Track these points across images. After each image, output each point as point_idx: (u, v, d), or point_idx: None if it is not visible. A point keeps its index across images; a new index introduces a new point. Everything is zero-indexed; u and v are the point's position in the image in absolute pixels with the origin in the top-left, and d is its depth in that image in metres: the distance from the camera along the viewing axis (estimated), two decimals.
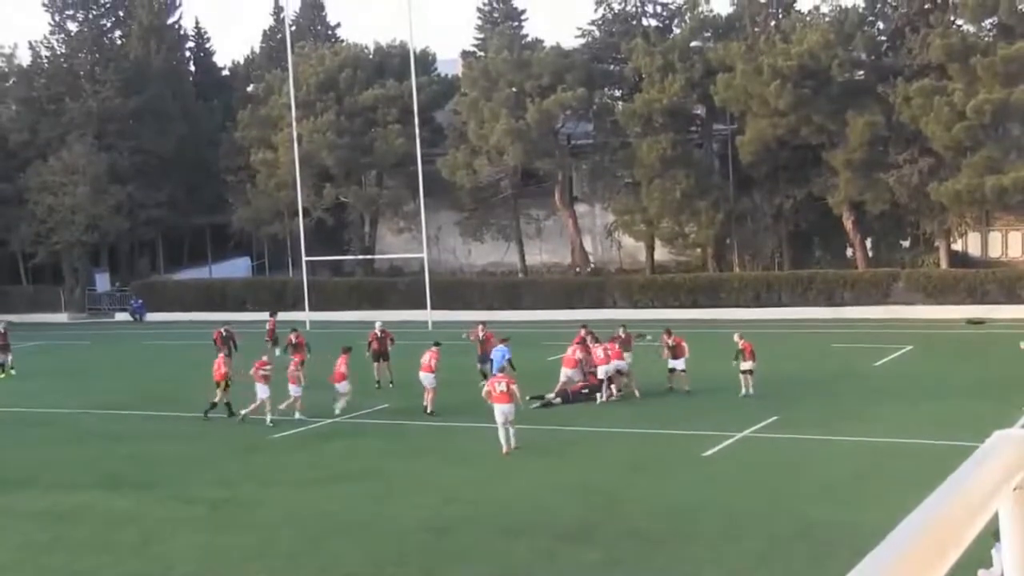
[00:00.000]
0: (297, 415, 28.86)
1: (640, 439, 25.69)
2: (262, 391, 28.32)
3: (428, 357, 29.73)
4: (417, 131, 54.26)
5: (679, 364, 30.66)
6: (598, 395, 29.74)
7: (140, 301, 62.68)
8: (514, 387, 24.25)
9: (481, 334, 33.17)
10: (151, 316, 61.36)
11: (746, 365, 29.70)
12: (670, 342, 30.90)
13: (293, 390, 29.04)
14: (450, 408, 29.38)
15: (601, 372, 29.67)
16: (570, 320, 39.71)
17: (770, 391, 29.85)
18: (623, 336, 31.35)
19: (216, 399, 29.61)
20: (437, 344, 30.63)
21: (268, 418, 28.26)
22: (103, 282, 68.59)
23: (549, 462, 23.64)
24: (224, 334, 36.71)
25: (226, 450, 26.12)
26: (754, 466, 22.59)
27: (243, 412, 28.71)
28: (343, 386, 29.74)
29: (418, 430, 27.83)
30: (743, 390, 29.53)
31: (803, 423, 26.36)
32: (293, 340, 35.40)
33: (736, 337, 30.02)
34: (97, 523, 20.37)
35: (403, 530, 19.02)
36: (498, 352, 31.02)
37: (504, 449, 23.91)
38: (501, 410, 24.02)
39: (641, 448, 24.72)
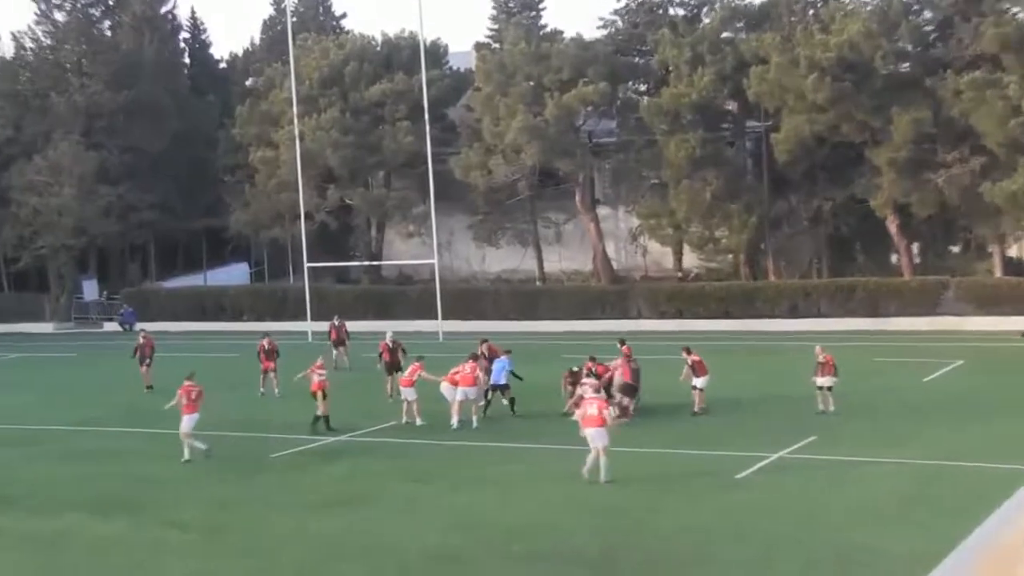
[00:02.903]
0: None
1: (668, 460, 25.64)
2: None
3: (409, 371, 30.66)
4: (428, 129, 54.29)
5: (700, 383, 30.57)
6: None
7: (131, 310, 62.83)
8: (607, 411, 24.06)
9: (486, 351, 33.08)
10: (142, 326, 61.42)
11: (824, 381, 29.63)
12: (689, 360, 30.77)
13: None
14: (461, 428, 29.46)
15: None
16: (591, 332, 39.61)
17: (807, 409, 29.74)
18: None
19: (319, 411, 29.92)
20: (420, 359, 31.21)
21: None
22: (91, 290, 68.82)
23: (568, 484, 23.52)
24: (267, 347, 36.96)
25: (222, 471, 26.12)
26: (790, 489, 22.52)
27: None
28: (409, 392, 30.22)
29: (427, 450, 27.80)
30: (820, 406, 29.50)
31: (843, 443, 26.26)
32: (266, 346, 36.41)
33: (817, 349, 30.13)
34: (84, 549, 20.38)
35: (408, 557, 18.99)
36: (499, 364, 31.21)
37: (585, 472, 23.28)
38: (591, 435, 23.36)
39: (669, 469, 24.65)
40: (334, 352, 42.68)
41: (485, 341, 33.70)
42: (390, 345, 34.98)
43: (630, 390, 29.71)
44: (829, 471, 23.98)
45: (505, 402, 31.13)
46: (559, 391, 31.00)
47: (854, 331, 48.30)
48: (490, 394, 31.44)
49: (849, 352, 43.18)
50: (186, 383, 27.38)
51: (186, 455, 26.74)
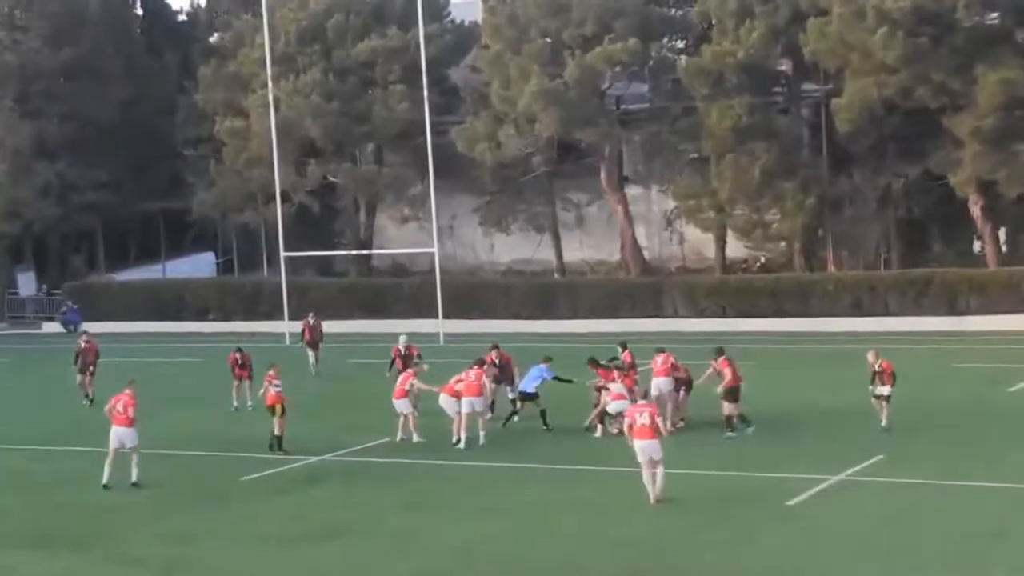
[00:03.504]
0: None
1: (709, 484, 25.63)
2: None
3: (401, 380, 31.07)
4: (426, 93, 54.19)
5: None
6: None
7: (75, 307, 62.97)
8: (659, 420, 24.30)
9: (496, 358, 33.19)
10: (89, 326, 61.59)
11: (883, 390, 29.70)
12: (719, 367, 30.67)
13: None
14: (467, 446, 29.58)
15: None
16: (618, 333, 39.63)
17: (874, 423, 29.73)
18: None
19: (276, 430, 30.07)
20: (416, 363, 32.10)
21: None
22: (27, 284, 69.00)
23: (590, 512, 23.57)
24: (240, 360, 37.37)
25: (184, 498, 26.18)
26: (852, 518, 22.47)
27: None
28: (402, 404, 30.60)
29: (425, 472, 27.86)
30: (884, 421, 29.59)
31: (916, 464, 26.25)
32: (239, 360, 36.99)
33: (871, 357, 30.05)
34: None
35: None
36: (535, 371, 31.86)
37: (651, 498, 23.70)
38: (643, 448, 23.78)
39: (710, 495, 24.64)
40: (309, 355, 43.53)
41: (496, 347, 33.86)
42: (402, 351, 35.55)
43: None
44: (899, 497, 23.94)
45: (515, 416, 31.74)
46: (583, 402, 31.08)
47: (928, 331, 48.22)
48: (518, 404, 32.22)
49: (922, 356, 43.20)
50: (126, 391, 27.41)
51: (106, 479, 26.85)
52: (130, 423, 26.80)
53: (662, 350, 31.63)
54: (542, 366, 32.07)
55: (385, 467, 28.49)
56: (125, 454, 26.90)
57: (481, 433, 30.05)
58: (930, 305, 51.00)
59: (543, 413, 31.61)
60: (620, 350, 32.65)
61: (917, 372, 39.25)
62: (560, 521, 23.14)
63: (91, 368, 39.18)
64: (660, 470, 23.73)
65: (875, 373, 29.92)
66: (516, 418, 32.24)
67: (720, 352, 30.71)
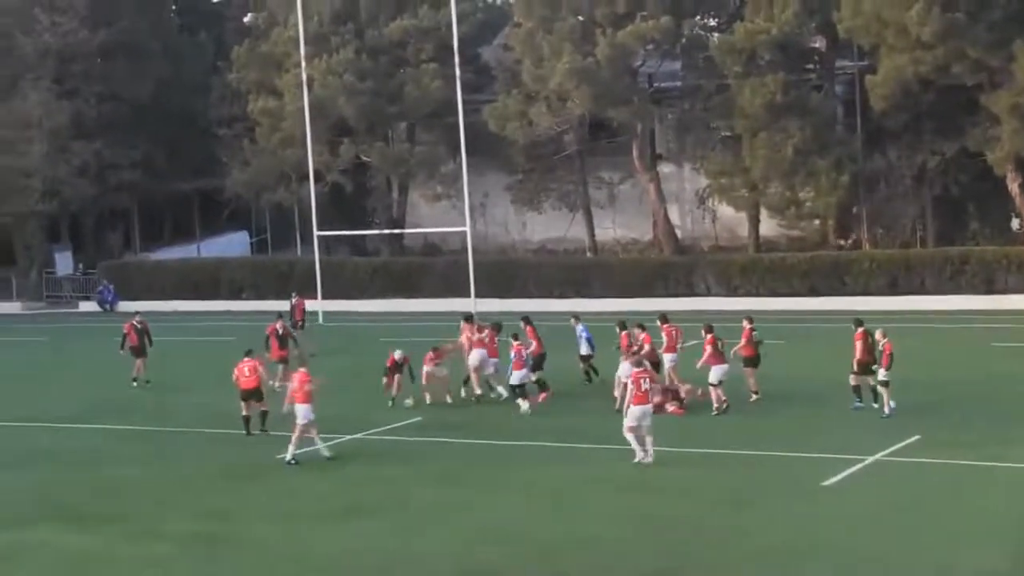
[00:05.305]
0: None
1: (741, 463, 25.55)
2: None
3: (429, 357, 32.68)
4: (458, 72, 54.20)
5: (713, 376, 30.62)
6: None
7: (110, 287, 63.21)
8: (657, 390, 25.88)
9: (480, 334, 33.35)
10: (124, 305, 61.81)
11: (882, 374, 29.25)
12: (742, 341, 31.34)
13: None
14: (493, 424, 29.72)
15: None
16: (651, 312, 39.45)
17: (910, 403, 29.49)
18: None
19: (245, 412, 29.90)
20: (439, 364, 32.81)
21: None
22: (64, 263, 69.27)
23: (618, 490, 23.53)
24: (281, 331, 36.80)
25: (216, 474, 26.29)
26: (887, 499, 22.35)
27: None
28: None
29: (456, 450, 27.92)
30: (885, 408, 29.19)
31: (953, 444, 26.03)
32: (279, 330, 36.63)
33: (879, 335, 29.60)
34: (50, 566, 20.48)
35: (432, 574, 19.09)
36: (581, 331, 33.82)
37: (644, 459, 25.03)
38: (636, 414, 25.05)
39: (742, 474, 24.56)
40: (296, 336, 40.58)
41: (468, 321, 34.33)
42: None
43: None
44: (936, 478, 23.80)
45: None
46: (613, 381, 30.93)
47: (965, 310, 47.92)
48: (582, 365, 34.05)
49: (960, 336, 43.00)
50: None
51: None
52: (307, 399, 26.76)
53: (643, 327, 32.39)
54: (580, 326, 33.87)
55: (416, 446, 28.50)
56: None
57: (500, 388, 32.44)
58: (967, 283, 50.70)
59: (594, 370, 33.75)
60: (619, 330, 32.96)
61: (954, 352, 39.30)
62: (590, 499, 23.13)
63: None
64: (650, 437, 25.15)
65: (877, 353, 29.38)
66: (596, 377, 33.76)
67: (708, 329, 31.07)
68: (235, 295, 61.59)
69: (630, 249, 63.85)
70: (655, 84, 61.77)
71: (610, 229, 64.46)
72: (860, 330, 30.08)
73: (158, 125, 68.15)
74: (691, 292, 54.21)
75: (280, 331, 36.63)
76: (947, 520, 20.91)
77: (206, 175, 68.59)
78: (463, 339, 33.41)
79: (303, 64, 57.34)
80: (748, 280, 54.08)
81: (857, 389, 29.92)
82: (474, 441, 28.55)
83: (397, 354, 32.42)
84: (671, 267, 56.82)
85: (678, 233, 62.17)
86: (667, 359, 32.09)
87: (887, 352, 29.07)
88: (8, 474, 27.29)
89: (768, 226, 59.98)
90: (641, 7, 55.85)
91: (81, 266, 68.62)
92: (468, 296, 52.34)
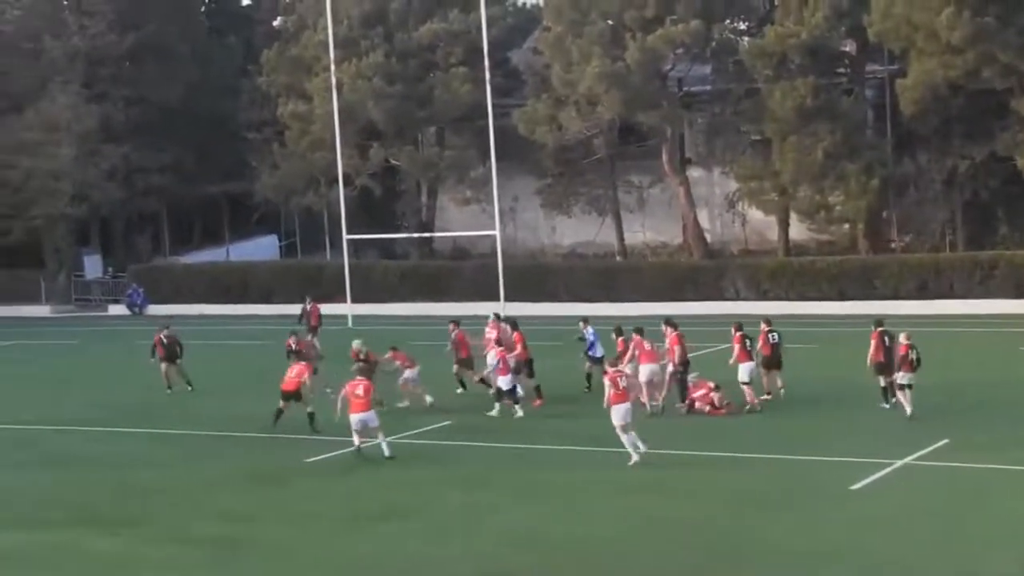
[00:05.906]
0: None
1: (768, 466, 25.48)
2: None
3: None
4: (487, 76, 54.27)
5: (743, 374, 30.93)
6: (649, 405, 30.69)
7: (140, 290, 63.44)
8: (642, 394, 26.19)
9: (455, 334, 34.03)
10: (154, 309, 62.07)
11: (901, 377, 29.10)
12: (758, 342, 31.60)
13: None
14: (521, 428, 29.74)
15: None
16: (680, 316, 39.38)
17: (939, 407, 29.42)
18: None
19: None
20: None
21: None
22: (94, 266, 69.56)
23: (644, 495, 23.50)
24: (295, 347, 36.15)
25: (243, 478, 26.33)
26: (915, 503, 22.28)
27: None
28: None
29: (483, 454, 27.93)
30: (907, 409, 29.03)
31: (982, 449, 25.94)
32: (292, 346, 35.22)
33: (902, 337, 29.47)
34: (75, 569, 20.56)
35: None
36: (591, 335, 33.76)
37: (637, 460, 25.31)
38: (620, 412, 25.43)
39: (769, 478, 24.50)
40: (315, 341, 40.41)
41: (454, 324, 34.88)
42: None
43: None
44: (965, 482, 23.67)
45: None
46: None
47: (995, 315, 47.79)
48: (588, 365, 33.79)
49: (990, 339, 42.81)
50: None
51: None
52: (367, 407, 27.18)
53: (640, 331, 31.88)
54: (588, 328, 33.86)
55: (443, 449, 28.54)
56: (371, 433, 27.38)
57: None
58: (997, 287, 50.51)
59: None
60: (615, 336, 32.94)
61: (984, 356, 39.14)
62: (615, 503, 23.11)
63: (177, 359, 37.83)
64: (634, 432, 25.61)
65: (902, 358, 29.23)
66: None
67: (668, 323, 31.83)
68: (264, 299, 61.69)
69: (659, 253, 63.79)
70: (685, 88, 61.67)
71: (639, 233, 64.41)
72: (877, 330, 30.10)
73: (187, 129, 68.36)
74: (720, 296, 54.14)
75: (294, 347, 35.21)
76: (973, 525, 20.81)
77: (235, 179, 68.74)
78: (487, 337, 33.49)
79: (332, 68, 57.40)
80: (777, 284, 54.02)
81: (884, 391, 29.87)
82: (502, 445, 28.53)
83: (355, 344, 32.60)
84: (700, 271, 56.81)
85: (707, 237, 62.05)
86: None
87: (902, 354, 28.97)
88: (34, 476, 27.41)
89: (798, 230, 59.90)
90: (671, 11, 55.77)
91: (110, 269, 68.85)
92: (497, 300, 52.29)
